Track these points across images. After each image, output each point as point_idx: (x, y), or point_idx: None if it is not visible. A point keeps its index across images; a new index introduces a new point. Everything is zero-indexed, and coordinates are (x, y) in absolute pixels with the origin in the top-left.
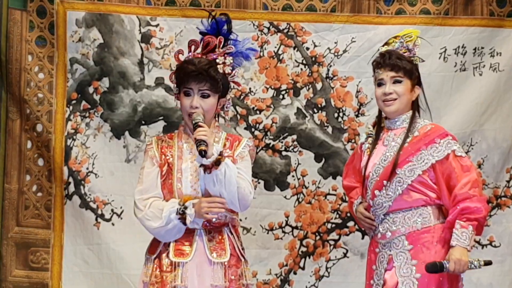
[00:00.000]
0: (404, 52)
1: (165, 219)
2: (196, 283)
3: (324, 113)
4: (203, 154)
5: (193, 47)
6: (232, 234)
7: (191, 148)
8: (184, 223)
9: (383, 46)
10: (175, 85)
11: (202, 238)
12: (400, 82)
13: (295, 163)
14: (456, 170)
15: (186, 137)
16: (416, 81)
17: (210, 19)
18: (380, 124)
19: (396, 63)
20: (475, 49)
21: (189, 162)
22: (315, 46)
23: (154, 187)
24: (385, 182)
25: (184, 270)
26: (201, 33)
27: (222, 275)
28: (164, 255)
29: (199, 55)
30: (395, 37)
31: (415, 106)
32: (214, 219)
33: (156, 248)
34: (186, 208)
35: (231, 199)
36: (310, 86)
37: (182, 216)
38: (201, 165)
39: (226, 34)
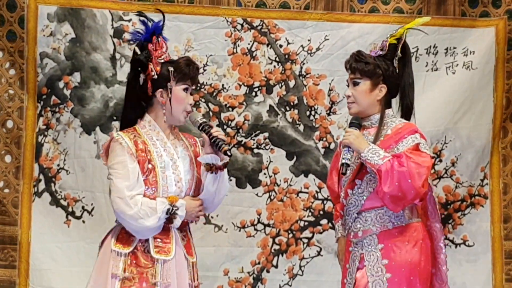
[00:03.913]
0: (381, 49)
1: (159, 219)
2: (176, 281)
3: (296, 111)
4: (229, 154)
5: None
6: (190, 233)
7: (165, 144)
8: (169, 223)
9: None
10: (166, 80)
11: (177, 237)
12: (358, 84)
13: (267, 161)
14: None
15: (156, 133)
16: (380, 79)
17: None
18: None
19: (352, 65)
20: (446, 49)
21: (168, 159)
22: (288, 43)
23: (140, 183)
24: (357, 181)
25: (166, 267)
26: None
27: (194, 274)
28: (141, 250)
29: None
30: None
31: (383, 104)
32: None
33: (129, 242)
34: (178, 209)
35: (219, 199)
36: (283, 83)
37: (172, 216)
38: (208, 165)
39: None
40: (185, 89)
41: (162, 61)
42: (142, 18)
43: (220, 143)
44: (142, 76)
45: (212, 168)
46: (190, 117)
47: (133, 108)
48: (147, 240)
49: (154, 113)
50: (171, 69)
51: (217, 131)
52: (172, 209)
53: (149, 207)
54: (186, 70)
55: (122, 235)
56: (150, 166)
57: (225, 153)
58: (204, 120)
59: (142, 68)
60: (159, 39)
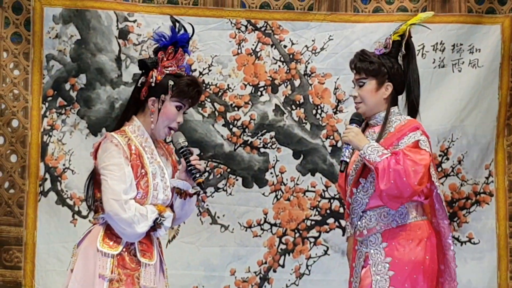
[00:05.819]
0: (385, 47)
1: (148, 227)
2: (155, 286)
3: (302, 110)
4: (202, 186)
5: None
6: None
7: (152, 151)
8: (152, 231)
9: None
10: (162, 91)
11: (156, 242)
12: (363, 84)
13: (274, 160)
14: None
15: (145, 140)
16: (385, 77)
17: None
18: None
19: (357, 65)
20: (453, 45)
21: (157, 166)
22: (292, 44)
23: (133, 188)
24: (361, 180)
25: (149, 272)
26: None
27: (165, 280)
28: (127, 253)
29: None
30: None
31: (389, 102)
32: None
33: (116, 243)
34: (165, 220)
35: (183, 219)
36: (288, 83)
37: (157, 225)
38: (178, 189)
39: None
40: (178, 107)
41: (168, 71)
42: (171, 25)
43: (195, 173)
44: (142, 79)
45: (182, 194)
46: (173, 137)
47: (132, 108)
48: (132, 243)
49: (143, 119)
50: (171, 82)
51: (195, 159)
52: (160, 219)
53: (140, 213)
54: (185, 89)
55: (109, 236)
56: (143, 171)
57: (198, 185)
58: (186, 144)
59: (146, 71)
60: (178, 50)
